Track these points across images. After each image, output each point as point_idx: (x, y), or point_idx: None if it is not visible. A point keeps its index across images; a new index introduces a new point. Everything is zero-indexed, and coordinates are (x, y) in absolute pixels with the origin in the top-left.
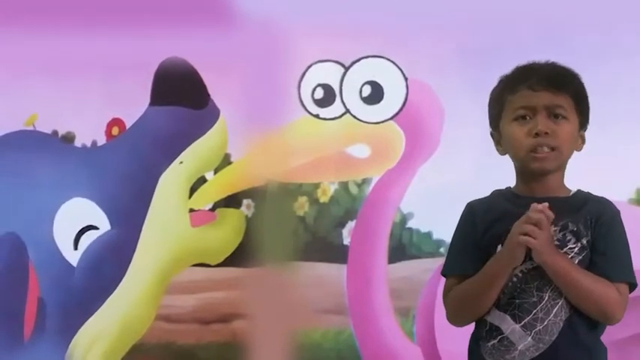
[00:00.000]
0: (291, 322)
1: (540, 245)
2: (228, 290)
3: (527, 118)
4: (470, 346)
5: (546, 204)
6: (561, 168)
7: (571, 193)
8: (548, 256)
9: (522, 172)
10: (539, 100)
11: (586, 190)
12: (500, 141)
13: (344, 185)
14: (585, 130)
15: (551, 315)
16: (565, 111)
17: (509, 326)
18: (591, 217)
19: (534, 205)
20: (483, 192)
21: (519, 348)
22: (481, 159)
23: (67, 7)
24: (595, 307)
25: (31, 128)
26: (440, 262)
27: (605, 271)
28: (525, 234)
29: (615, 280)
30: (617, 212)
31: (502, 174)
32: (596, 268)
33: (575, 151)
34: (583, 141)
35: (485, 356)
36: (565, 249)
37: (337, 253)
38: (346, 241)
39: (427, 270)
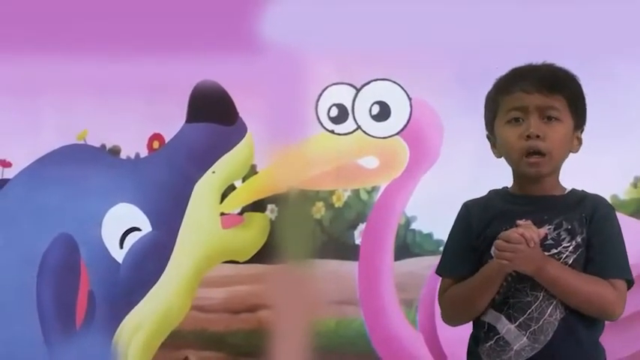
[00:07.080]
0: (309, 312)
1: (518, 264)
2: (254, 284)
3: (520, 120)
4: (469, 346)
5: (529, 221)
6: (556, 170)
7: (566, 192)
8: (532, 270)
9: (518, 174)
10: (532, 101)
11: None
12: (496, 144)
13: (356, 192)
14: (582, 132)
15: (546, 315)
16: (558, 112)
17: (505, 326)
18: (586, 214)
19: (518, 222)
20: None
21: (515, 348)
22: (475, 169)
23: (114, 36)
24: (593, 308)
25: (82, 142)
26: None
27: (602, 269)
28: (505, 250)
29: (611, 278)
30: (612, 209)
31: (495, 183)
32: (592, 266)
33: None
34: (579, 142)
35: (483, 356)
36: (560, 247)
37: (349, 252)
38: (357, 241)
39: (428, 266)
